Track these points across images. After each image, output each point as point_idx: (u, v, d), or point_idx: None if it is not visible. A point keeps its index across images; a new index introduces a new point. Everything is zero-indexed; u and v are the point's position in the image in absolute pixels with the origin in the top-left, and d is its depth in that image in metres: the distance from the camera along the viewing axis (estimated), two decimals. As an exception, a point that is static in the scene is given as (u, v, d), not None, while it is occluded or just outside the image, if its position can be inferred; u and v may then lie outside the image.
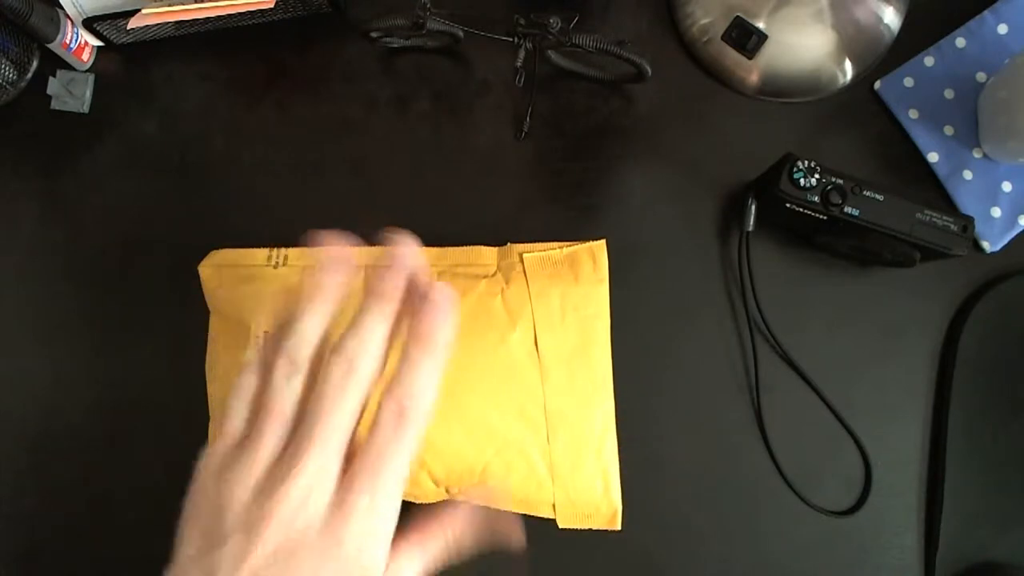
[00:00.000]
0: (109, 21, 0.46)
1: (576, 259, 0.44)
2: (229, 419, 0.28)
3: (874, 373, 0.46)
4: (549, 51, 0.46)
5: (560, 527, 0.43)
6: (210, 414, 0.44)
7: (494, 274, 0.44)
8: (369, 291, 0.29)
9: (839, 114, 0.49)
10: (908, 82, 0.48)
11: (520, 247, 0.44)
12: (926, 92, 0.48)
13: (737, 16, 0.48)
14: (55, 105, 0.49)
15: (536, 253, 0.44)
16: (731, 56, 0.48)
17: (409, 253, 0.30)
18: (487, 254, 0.44)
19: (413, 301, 0.29)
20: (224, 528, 0.27)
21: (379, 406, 0.27)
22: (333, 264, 0.30)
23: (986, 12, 0.48)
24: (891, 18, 0.48)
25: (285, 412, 0.27)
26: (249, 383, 0.28)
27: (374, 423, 0.27)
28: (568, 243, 0.44)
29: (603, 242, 0.44)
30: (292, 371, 0.27)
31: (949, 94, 0.48)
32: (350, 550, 0.25)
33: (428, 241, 0.45)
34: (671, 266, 0.47)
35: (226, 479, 0.27)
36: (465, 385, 0.41)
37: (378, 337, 0.28)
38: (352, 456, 0.27)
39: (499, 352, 0.42)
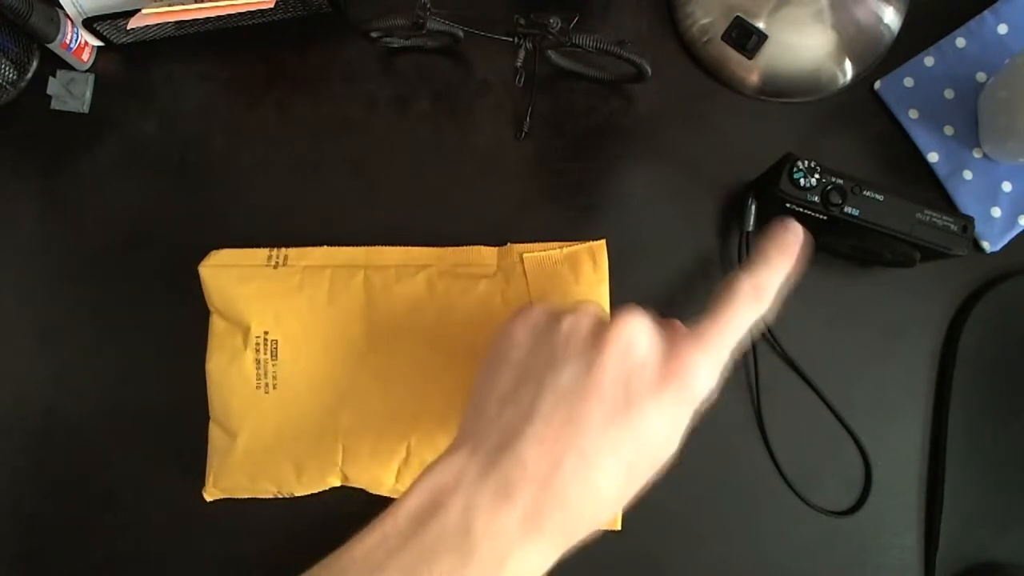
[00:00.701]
0: (109, 21, 0.46)
1: (576, 259, 0.44)
2: None
3: (874, 373, 0.46)
4: (549, 51, 0.46)
5: None
6: (210, 414, 0.44)
7: (494, 274, 0.44)
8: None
9: (839, 114, 0.49)
10: (908, 82, 0.48)
11: (520, 247, 0.44)
12: (926, 92, 0.48)
13: (737, 16, 0.48)
14: (55, 105, 0.49)
15: (536, 253, 0.44)
16: (731, 56, 0.48)
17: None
18: (487, 254, 0.45)
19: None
20: (556, 357, 0.31)
21: (736, 283, 0.32)
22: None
23: (986, 12, 0.48)
24: (891, 18, 0.48)
25: None
26: None
27: (728, 297, 0.32)
28: (568, 243, 0.44)
29: (603, 242, 0.44)
30: None
31: (949, 94, 0.48)
32: (681, 384, 0.30)
33: (428, 241, 0.45)
34: (671, 266, 0.47)
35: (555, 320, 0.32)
36: (465, 385, 0.41)
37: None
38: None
39: None
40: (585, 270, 0.44)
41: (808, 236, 0.35)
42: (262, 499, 0.44)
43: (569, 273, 0.43)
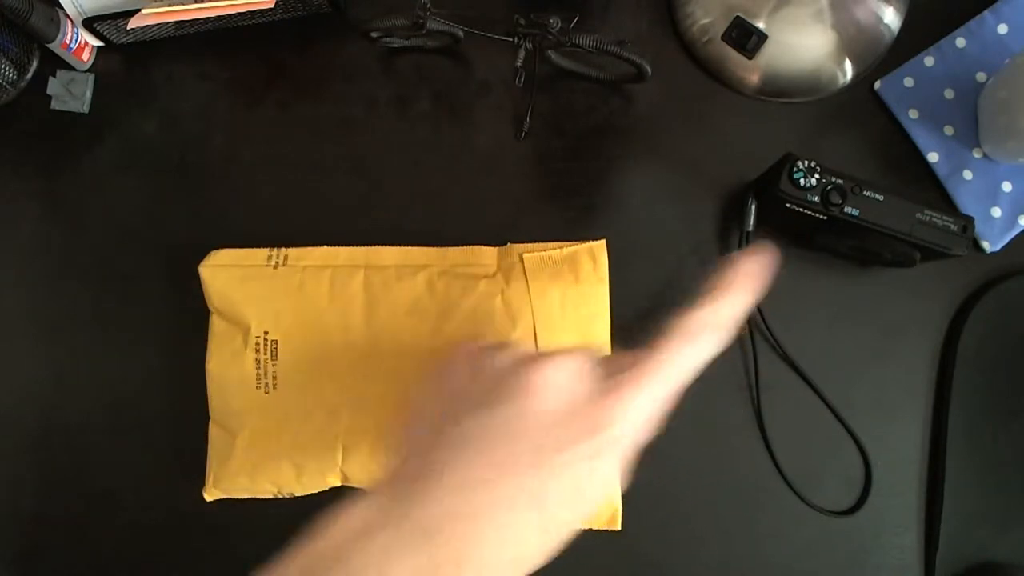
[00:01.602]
0: (109, 21, 0.46)
1: (576, 259, 0.44)
2: None
3: (874, 373, 0.46)
4: (549, 51, 0.46)
5: None
6: (210, 414, 0.44)
7: (494, 274, 0.44)
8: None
9: (839, 114, 0.49)
10: (908, 82, 0.48)
11: (520, 247, 0.44)
12: (926, 92, 0.48)
13: (737, 16, 0.48)
14: (55, 105, 0.49)
15: (536, 253, 0.44)
16: (731, 56, 0.48)
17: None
18: (487, 254, 0.44)
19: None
20: (479, 402, 0.29)
21: (688, 318, 0.30)
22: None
23: (986, 12, 0.48)
24: (891, 18, 0.48)
25: None
26: None
27: (677, 331, 0.30)
28: (568, 243, 0.44)
29: (603, 242, 0.44)
30: None
31: (949, 94, 0.48)
32: (603, 433, 0.28)
33: (428, 241, 0.45)
34: (671, 266, 0.47)
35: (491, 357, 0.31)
36: None
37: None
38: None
39: None
40: (585, 270, 0.44)
41: (777, 262, 0.32)
42: (262, 499, 0.44)
43: (569, 273, 0.43)
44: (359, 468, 0.42)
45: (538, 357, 0.30)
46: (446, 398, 0.31)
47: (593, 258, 0.44)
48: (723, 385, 0.46)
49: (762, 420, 0.46)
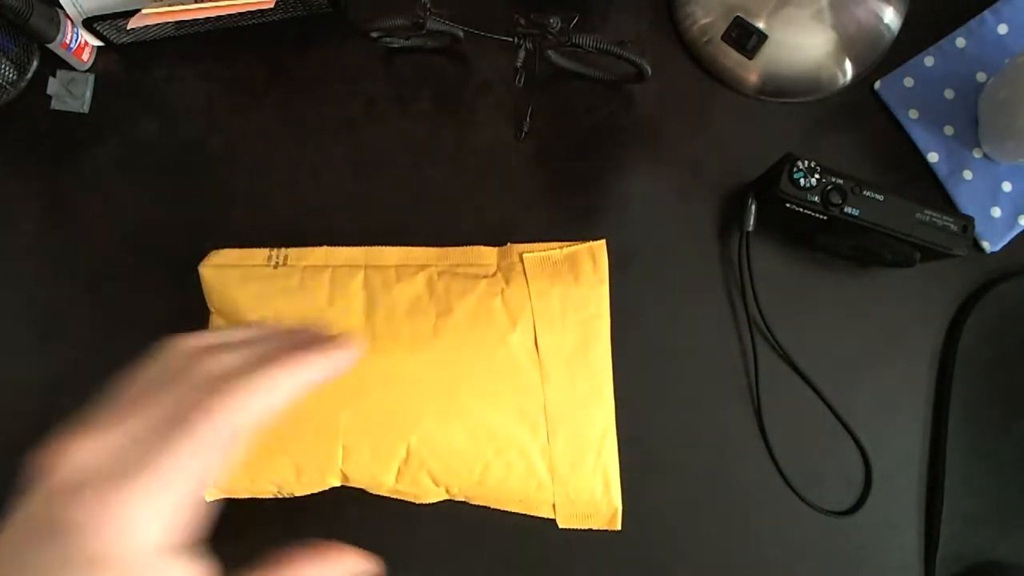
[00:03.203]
0: (109, 21, 0.46)
1: (576, 259, 0.44)
2: None
3: (874, 373, 0.46)
4: (549, 51, 0.46)
5: (560, 527, 0.43)
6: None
7: (494, 274, 0.44)
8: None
9: (839, 114, 0.49)
10: (908, 82, 0.48)
11: (520, 247, 0.44)
12: (926, 92, 0.48)
13: (737, 16, 0.48)
14: (55, 105, 0.49)
15: (536, 253, 0.44)
16: (731, 56, 0.48)
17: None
18: (487, 254, 0.44)
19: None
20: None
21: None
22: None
23: (986, 12, 0.48)
24: (891, 18, 0.48)
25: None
26: None
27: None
28: (568, 243, 0.44)
29: (603, 242, 0.44)
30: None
31: (949, 94, 0.48)
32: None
33: (428, 241, 0.45)
34: (671, 266, 0.47)
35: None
36: (465, 385, 0.41)
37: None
38: None
39: (499, 352, 0.42)
40: (585, 270, 0.44)
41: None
42: (262, 499, 0.44)
43: (569, 273, 0.43)
44: (359, 468, 0.42)
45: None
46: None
47: (593, 258, 0.44)
48: (723, 385, 0.46)
49: (762, 420, 0.46)
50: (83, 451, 0.26)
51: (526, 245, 0.44)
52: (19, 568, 0.25)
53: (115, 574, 0.23)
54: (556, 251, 0.44)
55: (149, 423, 0.26)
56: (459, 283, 0.43)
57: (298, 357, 0.27)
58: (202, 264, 0.44)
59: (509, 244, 0.45)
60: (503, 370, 0.42)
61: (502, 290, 0.43)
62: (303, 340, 0.29)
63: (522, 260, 0.44)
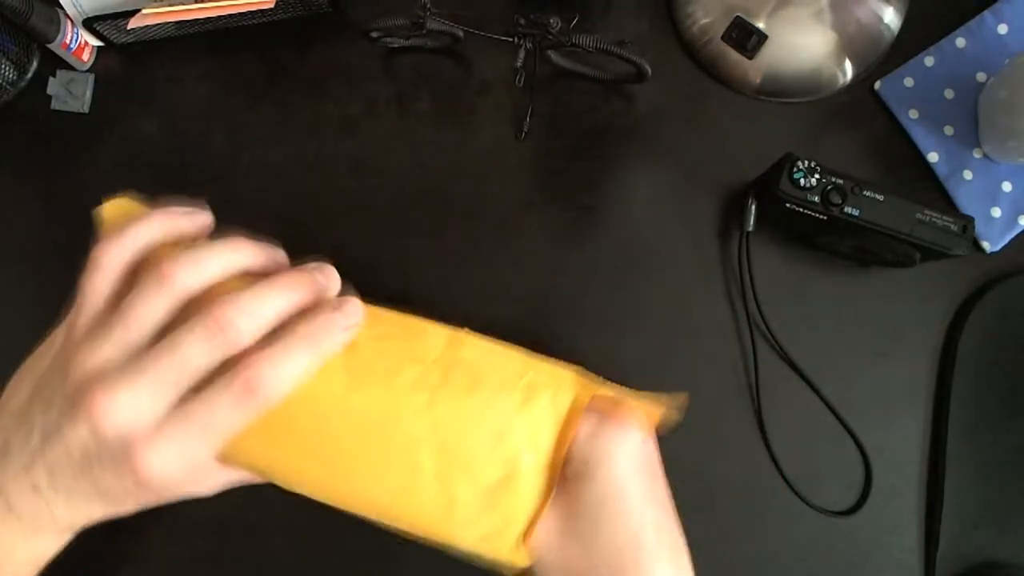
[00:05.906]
0: (109, 21, 0.46)
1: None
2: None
3: (874, 373, 0.46)
4: (549, 51, 0.46)
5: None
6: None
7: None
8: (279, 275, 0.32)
9: (839, 114, 0.49)
10: (908, 82, 0.48)
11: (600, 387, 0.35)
12: (926, 92, 0.48)
13: (737, 16, 0.48)
14: (55, 105, 0.49)
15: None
16: (731, 56, 0.48)
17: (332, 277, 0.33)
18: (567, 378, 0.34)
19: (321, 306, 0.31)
20: (54, 394, 0.30)
21: (229, 372, 0.28)
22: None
23: (986, 12, 0.48)
24: (891, 18, 0.48)
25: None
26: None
27: (214, 384, 0.28)
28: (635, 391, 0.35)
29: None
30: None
31: (949, 94, 0.48)
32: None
33: (428, 240, 0.45)
34: (671, 266, 0.47)
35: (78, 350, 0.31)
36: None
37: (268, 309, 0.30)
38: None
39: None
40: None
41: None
42: (262, 498, 0.44)
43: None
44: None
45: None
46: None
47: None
48: (723, 385, 0.46)
49: (762, 420, 0.46)
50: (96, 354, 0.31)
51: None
52: (28, 369, 0.35)
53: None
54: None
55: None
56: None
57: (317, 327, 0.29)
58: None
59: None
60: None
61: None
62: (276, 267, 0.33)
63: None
